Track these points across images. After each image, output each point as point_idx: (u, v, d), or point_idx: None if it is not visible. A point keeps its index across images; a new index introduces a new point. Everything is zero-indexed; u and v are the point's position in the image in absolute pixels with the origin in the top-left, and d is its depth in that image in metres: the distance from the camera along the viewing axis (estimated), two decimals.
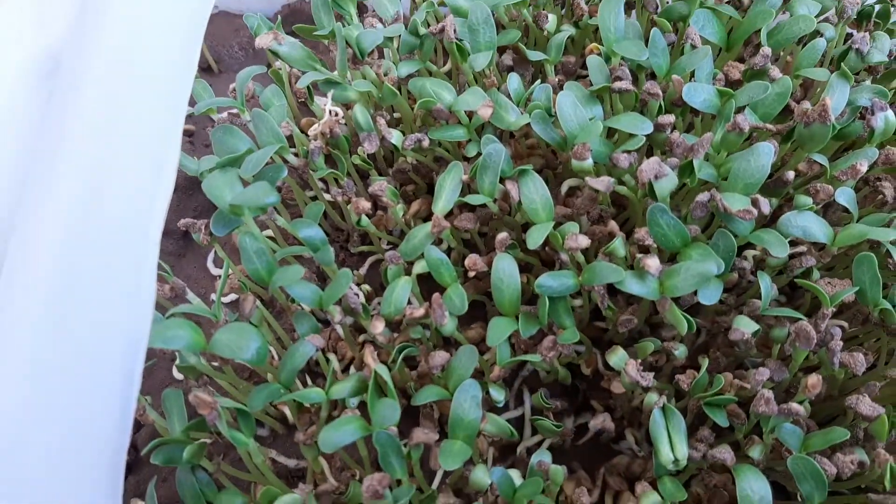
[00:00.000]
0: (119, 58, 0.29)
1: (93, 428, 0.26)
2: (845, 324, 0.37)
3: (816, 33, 0.39)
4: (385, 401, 0.30)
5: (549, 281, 0.33)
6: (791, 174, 0.36)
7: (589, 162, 0.34)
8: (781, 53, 0.41)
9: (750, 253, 0.38)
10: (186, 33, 0.29)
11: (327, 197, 0.42)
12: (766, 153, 0.33)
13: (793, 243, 0.38)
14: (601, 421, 0.35)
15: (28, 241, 0.29)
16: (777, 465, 0.36)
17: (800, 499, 0.34)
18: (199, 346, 0.30)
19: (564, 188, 0.40)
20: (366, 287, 0.42)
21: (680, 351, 0.35)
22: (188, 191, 0.46)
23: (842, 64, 0.37)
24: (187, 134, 0.50)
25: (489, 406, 0.36)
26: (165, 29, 0.30)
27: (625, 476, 0.38)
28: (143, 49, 0.30)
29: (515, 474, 0.32)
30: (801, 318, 0.32)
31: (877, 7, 0.44)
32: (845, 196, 0.35)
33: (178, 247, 0.46)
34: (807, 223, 0.34)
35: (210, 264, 0.44)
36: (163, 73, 0.29)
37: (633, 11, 0.43)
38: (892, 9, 0.46)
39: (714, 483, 0.37)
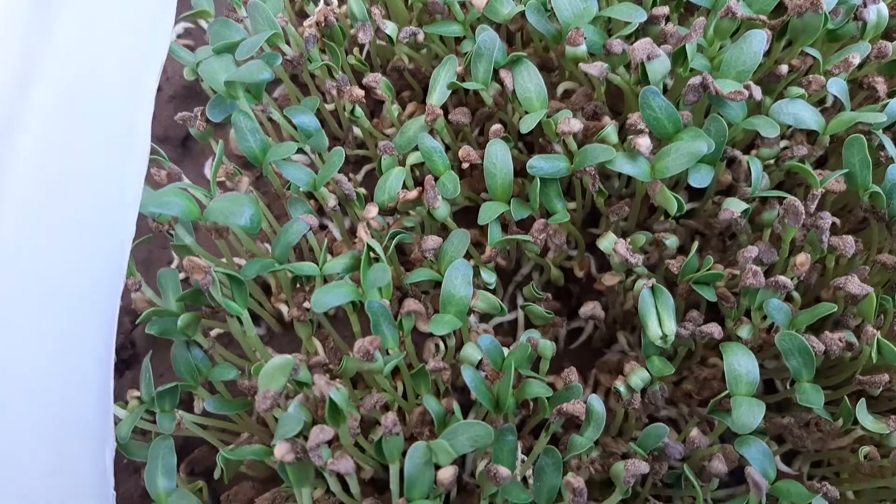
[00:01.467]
0: None
1: (81, 310, 0.27)
2: (836, 220, 0.37)
3: None
4: (376, 265, 0.30)
5: (541, 162, 0.33)
6: (784, 68, 0.36)
7: (583, 48, 0.34)
8: None
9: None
10: None
11: (327, 102, 0.42)
12: (758, 40, 0.33)
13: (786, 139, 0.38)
14: (591, 308, 0.36)
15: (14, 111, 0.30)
16: (767, 362, 0.37)
17: (786, 387, 0.34)
18: (193, 214, 0.30)
19: (560, 90, 0.40)
20: (361, 190, 0.42)
21: (671, 241, 0.35)
22: (186, 100, 0.47)
23: None
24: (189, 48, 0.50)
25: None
26: None
27: (615, 372, 0.39)
28: None
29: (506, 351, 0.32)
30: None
31: None
32: (837, 86, 0.35)
33: (176, 154, 0.46)
34: (798, 110, 0.34)
35: (207, 170, 0.45)
36: None
37: None
38: None
39: (704, 376, 0.38)
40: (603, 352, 0.41)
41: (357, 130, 0.41)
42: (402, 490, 0.28)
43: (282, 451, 0.27)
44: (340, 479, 0.30)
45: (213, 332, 0.39)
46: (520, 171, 0.38)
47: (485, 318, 0.40)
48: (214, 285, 0.29)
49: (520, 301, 0.41)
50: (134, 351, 0.42)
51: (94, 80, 0.28)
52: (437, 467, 0.27)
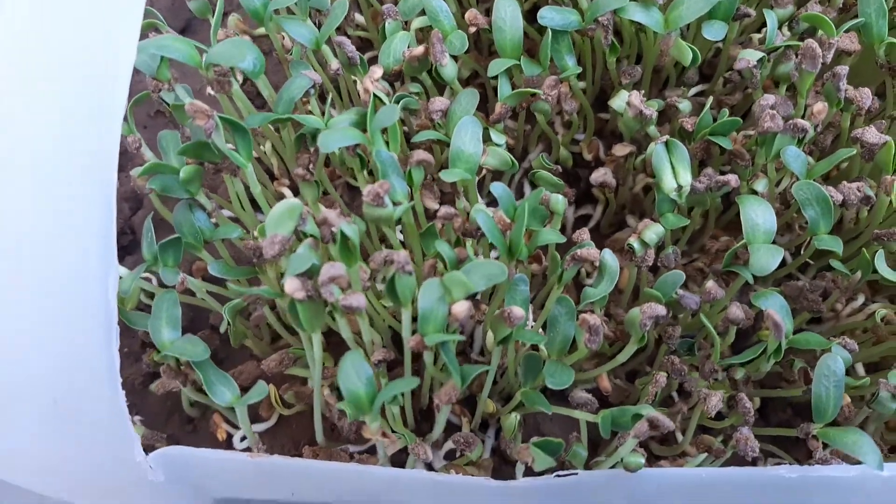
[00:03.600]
0: None
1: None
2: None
3: None
4: (388, 108, 0.29)
5: (552, 13, 0.32)
6: None
7: None
8: None
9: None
10: None
11: None
12: None
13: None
14: (602, 174, 0.35)
15: None
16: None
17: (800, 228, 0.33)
18: (194, 60, 0.29)
19: None
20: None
21: (684, 105, 0.34)
22: None
23: None
24: None
25: None
26: None
27: (624, 249, 0.38)
28: None
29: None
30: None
31: None
32: None
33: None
34: None
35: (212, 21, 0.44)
36: None
37: None
38: None
39: (716, 248, 0.37)
40: (610, 236, 0.41)
41: (360, 18, 0.41)
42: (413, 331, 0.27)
43: (293, 286, 0.26)
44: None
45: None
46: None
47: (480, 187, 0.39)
48: (218, 131, 0.28)
49: (527, 190, 0.41)
50: (134, 237, 0.41)
51: None
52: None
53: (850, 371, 0.34)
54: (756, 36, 0.40)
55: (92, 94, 0.26)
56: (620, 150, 0.36)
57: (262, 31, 0.36)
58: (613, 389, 0.34)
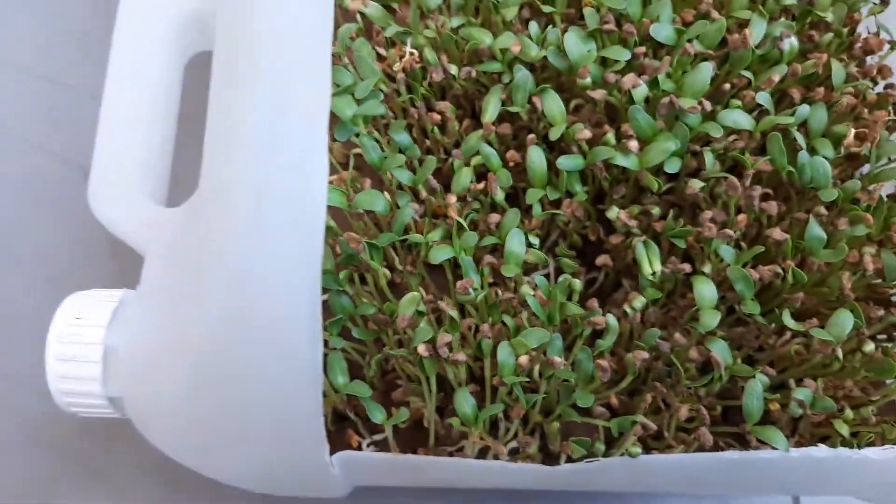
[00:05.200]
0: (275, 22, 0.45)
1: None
2: (770, 191, 0.53)
3: None
4: (468, 234, 0.46)
5: (565, 161, 0.49)
6: (727, 86, 0.53)
7: (588, 80, 0.50)
8: (723, 2, 0.57)
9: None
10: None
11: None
12: (706, 69, 0.50)
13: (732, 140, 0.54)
14: (604, 259, 0.52)
15: (226, 147, 0.45)
16: (728, 294, 0.53)
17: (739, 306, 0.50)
18: (344, 204, 0.46)
19: (571, 105, 0.56)
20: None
21: (655, 210, 0.51)
22: None
23: (760, 6, 0.53)
24: None
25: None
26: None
27: (620, 306, 0.55)
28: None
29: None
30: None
31: None
32: (763, 98, 0.51)
33: None
34: (736, 117, 0.50)
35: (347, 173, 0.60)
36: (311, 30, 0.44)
37: None
38: None
39: (683, 304, 0.54)
40: (611, 294, 0.57)
41: (437, 140, 0.57)
42: (493, 374, 0.44)
43: (422, 349, 0.43)
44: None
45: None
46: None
47: (527, 271, 0.56)
48: (365, 251, 0.45)
49: (549, 258, 0.57)
50: None
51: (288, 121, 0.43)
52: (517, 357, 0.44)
53: (785, 384, 0.51)
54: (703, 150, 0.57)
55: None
56: (615, 239, 0.53)
57: None
58: (619, 404, 0.50)
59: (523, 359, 0.43)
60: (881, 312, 0.48)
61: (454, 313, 0.43)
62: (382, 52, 0.56)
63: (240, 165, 0.42)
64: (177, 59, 0.61)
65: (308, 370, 0.41)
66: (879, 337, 0.52)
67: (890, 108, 0.56)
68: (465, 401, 0.42)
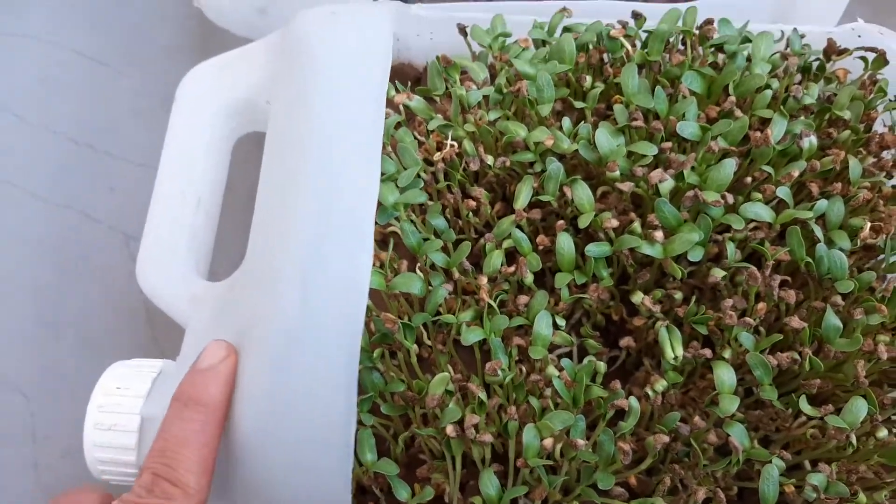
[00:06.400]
0: (333, 117, 0.49)
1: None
2: (788, 278, 0.56)
3: (767, 86, 0.58)
4: (499, 317, 0.49)
5: (593, 248, 0.52)
6: (749, 179, 0.55)
7: (617, 173, 0.54)
8: (746, 100, 0.60)
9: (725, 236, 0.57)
10: (376, 96, 0.49)
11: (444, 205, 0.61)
12: (730, 165, 0.53)
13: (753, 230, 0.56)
14: (627, 340, 0.54)
15: (278, 230, 0.49)
16: (747, 376, 0.55)
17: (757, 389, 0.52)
18: (383, 286, 0.49)
19: (598, 192, 0.59)
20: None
21: (678, 295, 0.54)
22: None
23: (781, 106, 0.56)
24: None
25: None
26: (360, 94, 0.49)
27: (643, 385, 0.57)
28: (347, 110, 0.49)
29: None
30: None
31: (814, 63, 0.64)
32: (783, 192, 0.54)
33: None
34: (757, 209, 0.53)
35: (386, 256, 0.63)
36: (364, 122, 0.49)
37: (643, 71, 0.63)
38: (826, 64, 0.65)
39: (703, 386, 0.56)
40: (633, 372, 0.60)
41: (471, 223, 0.61)
42: (517, 455, 0.46)
43: (450, 429, 0.45)
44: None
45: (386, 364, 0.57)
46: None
47: (551, 349, 0.59)
48: (399, 331, 0.48)
49: (573, 338, 0.60)
50: None
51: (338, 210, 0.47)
52: (542, 440, 0.46)
53: (800, 465, 0.53)
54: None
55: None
56: (638, 321, 0.55)
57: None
58: (638, 483, 0.52)
59: (548, 441, 0.45)
60: (894, 394, 0.50)
61: (483, 395, 0.46)
62: (422, 139, 0.60)
63: (290, 252, 0.46)
64: (226, 140, 0.65)
65: (341, 452, 0.44)
66: (894, 418, 0.54)
67: None
68: (489, 482, 0.44)
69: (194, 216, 0.61)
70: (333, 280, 0.45)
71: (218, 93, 0.66)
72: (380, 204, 0.53)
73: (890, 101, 0.64)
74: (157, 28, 0.89)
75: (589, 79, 0.60)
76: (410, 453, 0.54)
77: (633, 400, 0.49)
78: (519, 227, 0.56)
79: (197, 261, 0.61)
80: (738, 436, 0.48)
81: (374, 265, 0.51)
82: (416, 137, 0.59)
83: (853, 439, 0.48)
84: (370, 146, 0.47)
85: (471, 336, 0.48)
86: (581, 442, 0.46)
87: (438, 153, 0.56)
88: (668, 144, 0.55)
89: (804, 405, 0.49)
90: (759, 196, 0.54)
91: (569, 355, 0.58)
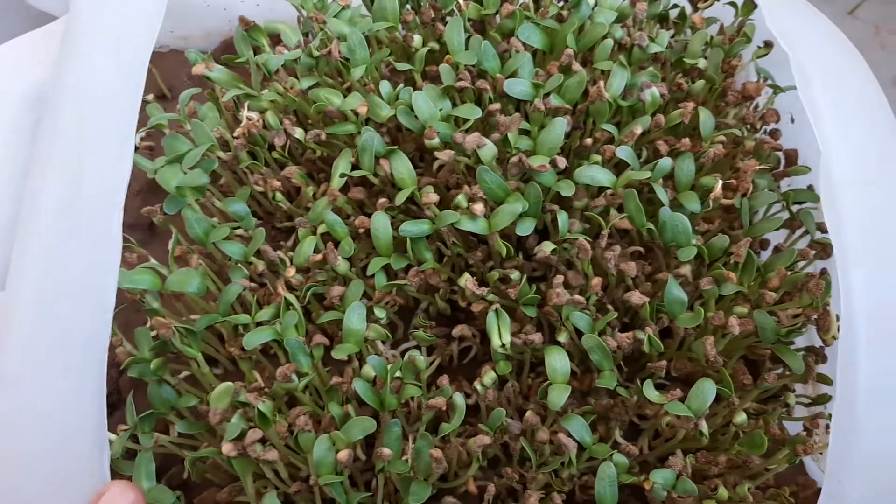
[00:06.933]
0: (84, 91, 0.42)
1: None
2: (642, 249, 0.50)
3: (609, 35, 0.52)
4: (290, 313, 0.43)
5: (409, 226, 0.46)
6: (589, 141, 0.49)
7: (436, 140, 0.47)
8: (592, 53, 0.54)
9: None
10: (133, 65, 0.42)
11: (258, 188, 0.54)
12: (560, 124, 0.46)
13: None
14: (461, 329, 0.48)
15: (26, 227, 0.42)
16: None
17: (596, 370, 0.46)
18: (157, 286, 0.42)
19: (435, 167, 0.53)
20: (291, 254, 0.54)
21: (515, 275, 0.48)
22: (151, 193, 0.59)
23: (621, 56, 0.50)
24: (148, 148, 0.62)
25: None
26: (115, 64, 0.42)
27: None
28: (98, 81, 0.42)
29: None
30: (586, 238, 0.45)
31: (673, 11, 0.58)
32: (625, 152, 0.47)
33: (144, 237, 0.58)
34: (593, 173, 0.47)
35: (169, 248, 0.57)
36: (116, 98, 0.41)
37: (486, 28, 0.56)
38: (694, 13, 0.59)
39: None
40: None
41: (283, 207, 0.54)
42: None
43: (227, 448, 0.39)
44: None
45: (181, 374, 0.50)
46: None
47: (395, 345, 0.52)
48: (175, 336, 0.41)
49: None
50: (119, 396, 0.53)
51: (79, 194, 0.40)
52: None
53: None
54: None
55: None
56: (476, 306, 0.49)
57: None
58: (478, 490, 0.46)
59: (343, 454, 0.39)
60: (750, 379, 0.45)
61: (264, 406, 0.39)
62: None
63: (28, 251, 0.39)
64: (29, 135, 0.58)
65: (94, 475, 0.37)
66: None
67: (768, 156, 0.53)
68: None
69: None
70: (70, 283, 0.37)
71: (17, 78, 0.58)
72: (163, 190, 0.46)
73: (759, 47, 0.58)
74: None
75: (419, 38, 0.54)
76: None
77: (457, 397, 0.43)
78: (339, 209, 0.50)
79: None
80: (577, 431, 0.42)
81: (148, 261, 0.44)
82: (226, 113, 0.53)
83: (703, 427, 0.42)
84: (121, 123, 0.40)
85: (254, 339, 0.41)
86: (387, 451, 0.40)
87: (237, 130, 0.49)
88: (496, 106, 0.48)
89: (649, 391, 0.43)
90: (598, 158, 0.48)
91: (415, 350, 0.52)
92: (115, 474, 0.43)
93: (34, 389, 0.37)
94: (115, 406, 0.53)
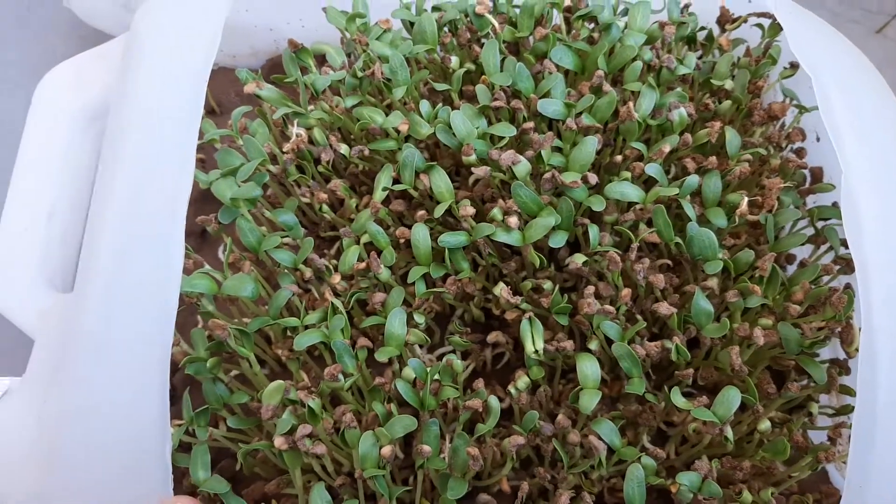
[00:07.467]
0: (149, 107, 0.45)
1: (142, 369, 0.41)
2: (669, 262, 0.52)
3: (638, 57, 0.54)
4: (337, 317, 0.45)
5: (448, 238, 0.48)
6: (619, 158, 0.52)
7: (473, 157, 0.50)
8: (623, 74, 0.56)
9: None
10: (194, 87, 0.45)
11: (304, 199, 0.57)
12: (591, 143, 0.49)
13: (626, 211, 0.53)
14: (495, 336, 0.51)
15: (95, 233, 0.45)
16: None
17: (625, 377, 0.48)
18: (213, 290, 0.45)
19: (471, 180, 0.56)
20: (333, 262, 0.57)
21: (548, 285, 0.50)
22: (203, 202, 0.62)
23: (650, 78, 0.52)
24: (200, 160, 0.66)
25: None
26: (178, 85, 0.46)
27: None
28: (162, 100, 0.46)
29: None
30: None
31: (701, 34, 0.60)
32: (653, 169, 0.50)
33: (196, 243, 0.62)
34: (623, 188, 0.49)
35: (220, 254, 0.60)
36: (178, 116, 0.45)
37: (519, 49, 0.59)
38: (722, 35, 0.62)
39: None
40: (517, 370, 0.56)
41: (328, 218, 0.57)
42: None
43: (279, 441, 0.41)
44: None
45: (232, 373, 0.54)
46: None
47: (431, 349, 0.55)
48: (230, 337, 0.44)
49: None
50: (175, 393, 0.56)
51: (145, 203, 0.43)
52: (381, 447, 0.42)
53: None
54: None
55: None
56: (510, 314, 0.52)
57: None
58: (511, 489, 0.48)
59: (386, 450, 0.41)
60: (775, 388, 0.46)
61: (314, 403, 0.42)
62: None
63: (97, 256, 0.42)
64: (87, 145, 0.61)
65: (157, 465, 0.40)
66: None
67: (794, 173, 0.55)
68: (318, 498, 0.40)
69: (47, 228, 0.57)
70: (136, 286, 0.41)
71: (75, 96, 0.62)
72: (214, 200, 0.49)
73: (785, 68, 0.60)
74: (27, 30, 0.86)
75: (456, 59, 0.57)
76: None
77: (492, 399, 0.46)
78: (381, 220, 0.53)
79: (52, 273, 0.57)
80: (607, 434, 0.44)
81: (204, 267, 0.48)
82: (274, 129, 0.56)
83: (728, 433, 0.44)
84: (182, 139, 0.43)
85: (304, 340, 0.44)
86: (427, 448, 0.42)
87: (287, 145, 0.52)
88: (530, 125, 0.51)
89: (676, 398, 0.45)
90: (628, 175, 0.51)
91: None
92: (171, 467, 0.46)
93: (104, 386, 0.41)
94: (171, 402, 0.56)
